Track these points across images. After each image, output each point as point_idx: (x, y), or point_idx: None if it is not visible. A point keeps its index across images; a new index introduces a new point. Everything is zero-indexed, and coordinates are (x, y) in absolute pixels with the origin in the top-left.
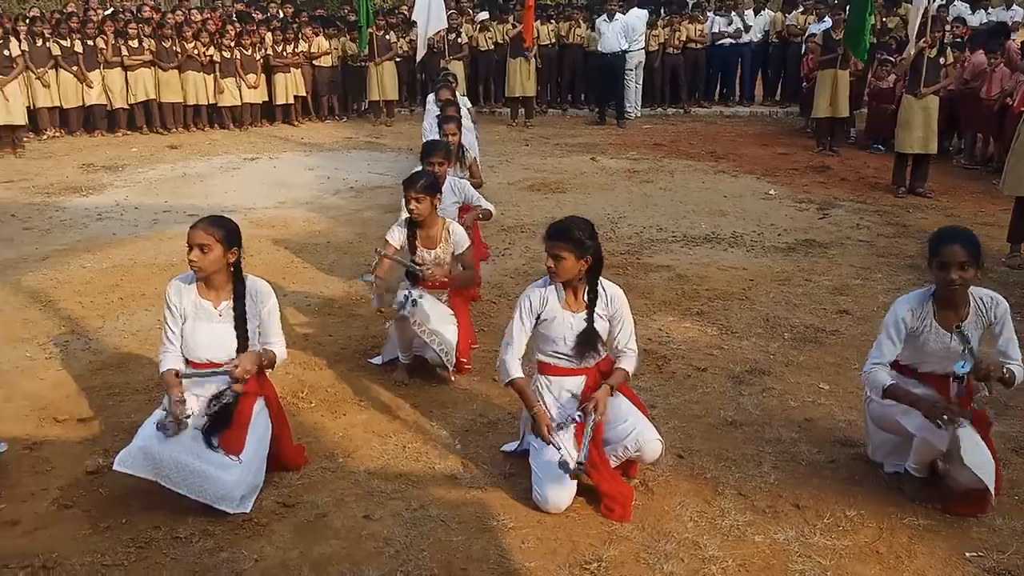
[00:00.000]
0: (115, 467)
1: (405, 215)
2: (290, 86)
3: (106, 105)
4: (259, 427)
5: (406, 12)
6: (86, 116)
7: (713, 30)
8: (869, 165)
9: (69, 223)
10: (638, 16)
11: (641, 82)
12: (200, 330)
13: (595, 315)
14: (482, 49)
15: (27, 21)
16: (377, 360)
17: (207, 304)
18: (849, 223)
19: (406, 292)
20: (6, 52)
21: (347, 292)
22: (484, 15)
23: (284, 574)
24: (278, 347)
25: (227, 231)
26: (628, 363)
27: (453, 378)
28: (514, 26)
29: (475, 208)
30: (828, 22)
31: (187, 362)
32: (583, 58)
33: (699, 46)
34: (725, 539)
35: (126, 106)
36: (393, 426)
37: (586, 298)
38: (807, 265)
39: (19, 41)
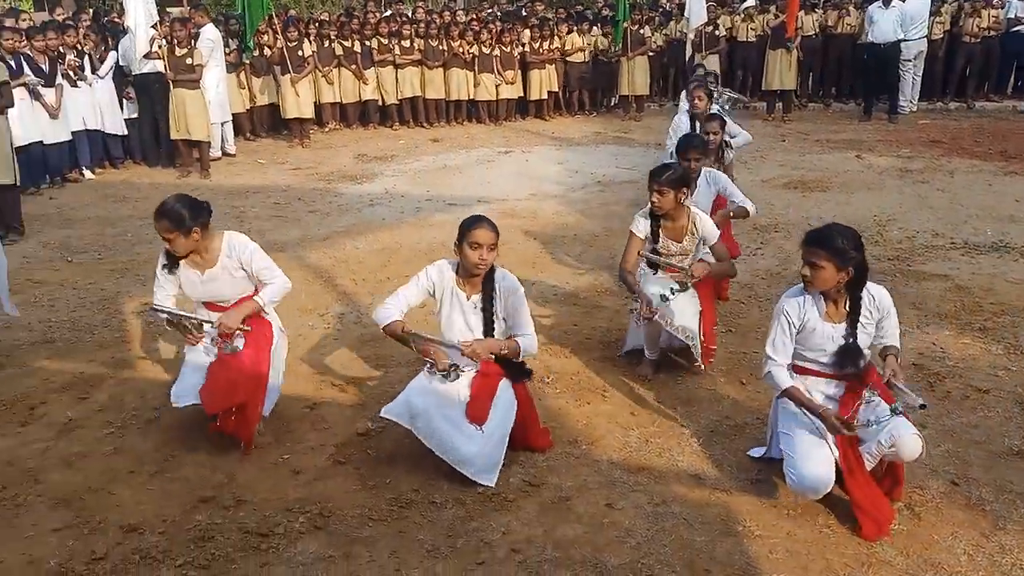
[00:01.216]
0: (381, 414)
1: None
2: (544, 82)
3: (379, 100)
4: (503, 403)
5: (665, 5)
6: (362, 110)
7: (1009, 15)
8: None
9: (345, 208)
10: (922, 2)
11: (920, 74)
12: (455, 319)
13: (858, 327)
14: (740, 39)
15: (317, 24)
16: (628, 348)
17: (462, 295)
18: None
19: (663, 291)
20: (300, 53)
21: (592, 284)
22: (750, 2)
23: (529, 549)
24: (525, 338)
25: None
26: (895, 340)
27: (703, 366)
28: (776, 16)
29: (729, 206)
30: None
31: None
32: (851, 49)
33: (992, 33)
34: None
35: (396, 101)
36: (636, 419)
37: (847, 308)
38: None
39: (310, 43)
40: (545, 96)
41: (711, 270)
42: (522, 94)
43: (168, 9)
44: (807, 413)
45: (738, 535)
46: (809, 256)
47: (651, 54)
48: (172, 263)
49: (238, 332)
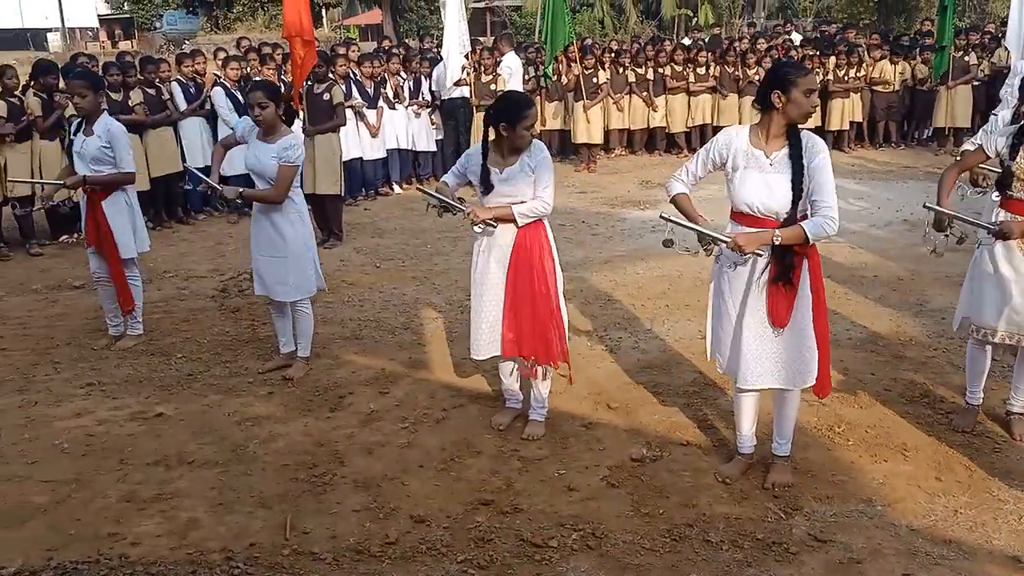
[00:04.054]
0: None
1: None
2: (846, 112)
3: (666, 128)
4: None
5: (992, 30)
6: (648, 137)
7: None
8: None
9: (627, 232)
10: None
11: None
12: (748, 179)
13: None
14: None
15: (612, 53)
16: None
17: (759, 153)
18: None
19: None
20: (594, 80)
21: (895, 331)
22: None
23: None
24: (820, 215)
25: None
26: None
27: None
28: None
29: None
30: None
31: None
32: None
33: None
34: None
35: (685, 129)
36: (943, 485)
37: None
38: None
39: (604, 70)
40: (846, 127)
41: None
42: (820, 124)
43: (478, 38)
44: None
45: None
46: None
47: (975, 83)
48: (485, 150)
49: (482, 223)
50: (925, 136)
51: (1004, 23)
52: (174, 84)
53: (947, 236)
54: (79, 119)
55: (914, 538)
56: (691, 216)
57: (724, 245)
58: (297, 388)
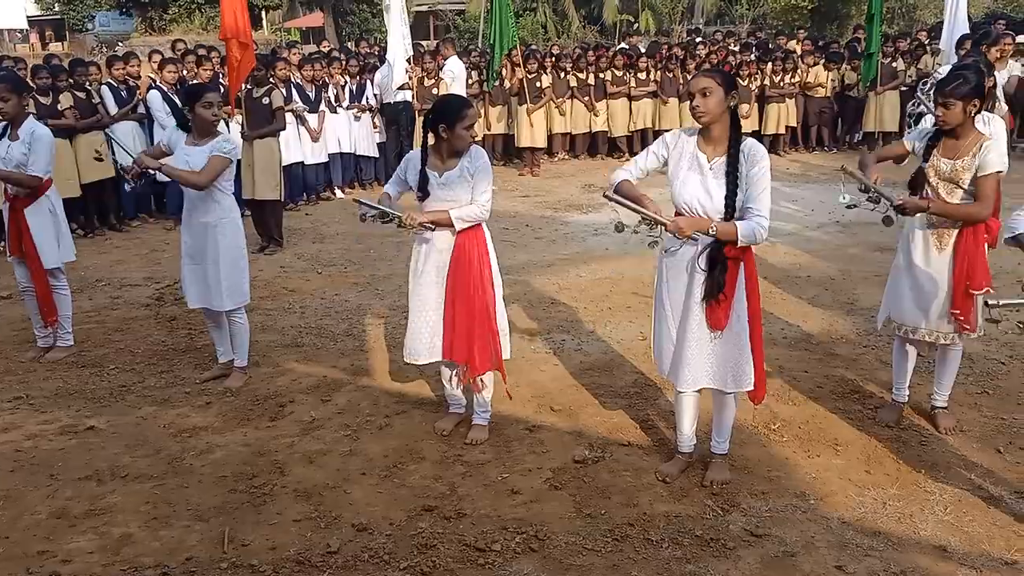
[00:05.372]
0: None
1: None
2: (782, 116)
3: (608, 132)
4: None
5: (922, 39)
6: (591, 141)
7: None
8: None
9: (570, 236)
10: None
11: None
12: (690, 182)
13: None
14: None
15: (554, 57)
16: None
17: (703, 157)
18: None
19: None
20: (538, 84)
21: (827, 329)
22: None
23: None
24: (752, 220)
25: (727, 77)
26: None
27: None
28: None
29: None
30: None
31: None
32: None
33: None
34: None
35: (626, 133)
36: (872, 478)
37: None
38: None
39: (547, 75)
40: (783, 131)
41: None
42: (757, 128)
43: (420, 42)
44: None
45: None
46: None
47: (903, 89)
48: (424, 155)
49: (419, 226)
50: (856, 140)
51: (933, 30)
52: (104, 88)
53: (871, 198)
54: (2, 124)
55: (845, 530)
56: (635, 198)
57: (663, 227)
58: (236, 398)
